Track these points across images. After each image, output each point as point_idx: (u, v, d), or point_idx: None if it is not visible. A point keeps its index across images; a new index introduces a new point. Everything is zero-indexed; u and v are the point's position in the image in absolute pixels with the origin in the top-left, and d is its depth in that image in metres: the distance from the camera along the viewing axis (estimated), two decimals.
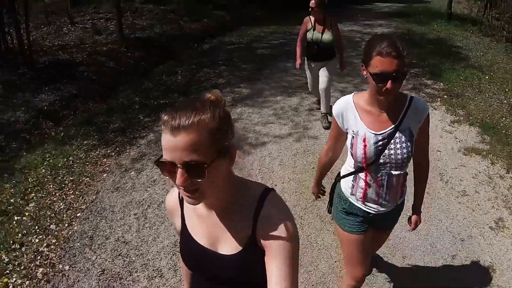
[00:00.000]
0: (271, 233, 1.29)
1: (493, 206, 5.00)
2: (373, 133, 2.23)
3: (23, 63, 10.17)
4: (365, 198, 2.41)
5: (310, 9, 5.98)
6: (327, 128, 6.55)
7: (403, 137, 2.22)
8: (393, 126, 2.22)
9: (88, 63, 11.07)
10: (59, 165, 6.67)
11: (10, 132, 7.83)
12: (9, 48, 10.23)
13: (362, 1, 23.76)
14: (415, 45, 12.98)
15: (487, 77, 9.55)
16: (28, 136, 7.90)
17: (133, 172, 6.29)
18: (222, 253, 1.37)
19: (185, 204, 1.47)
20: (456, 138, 6.59)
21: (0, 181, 6.31)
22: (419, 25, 15.95)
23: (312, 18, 6.12)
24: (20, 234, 5.08)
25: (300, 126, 6.90)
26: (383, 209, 2.45)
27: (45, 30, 12.84)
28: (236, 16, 17.72)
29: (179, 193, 1.47)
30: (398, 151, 2.22)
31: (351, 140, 2.31)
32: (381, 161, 2.26)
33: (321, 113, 6.73)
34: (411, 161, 2.44)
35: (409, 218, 2.71)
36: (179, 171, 1.16)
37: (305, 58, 6.47)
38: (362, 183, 2.38)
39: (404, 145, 2.22)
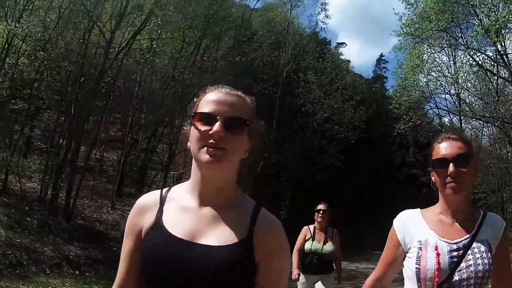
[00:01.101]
0: (267, 241, 1.35)
1: None
2: (446, 242, 1.95)
3: (62, 216, 11.59)
4: None
5: (317, 213, 5.96)
6: None
7: (482, 247, 1.92)
8: (469, 235, 1.95)
9: (120, 242, 12.20)
10: None
11: (35, 259, 8.77)
12: (55, 199, 11.83)
13: (382, 247, 25.53)
14: None
15: None
16: (47, 269, 8.70)
17: None
18: (207, 243, 1.30)
19: (169, 200, 1.45)
20: None
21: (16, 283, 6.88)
22: None
23: (311, 228, 5.99)
24: None
25: None
26: None
27: (87, 203, 14.54)
28: None
29: (161, 192, 1.48)
30: (479, 261, 1.88)
31: (418, 253, 1.97)
32: (457, 278, 1.89)
33: None
34: None
35: None
36: (219, 122, 1.30)
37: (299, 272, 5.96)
38: None
39: (484, 255, 1.90)
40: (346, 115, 21.87)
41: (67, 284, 7.81)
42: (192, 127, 1.35)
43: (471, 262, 1.87)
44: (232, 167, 1.37)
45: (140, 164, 21.18)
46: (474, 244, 1.92)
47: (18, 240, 9.00)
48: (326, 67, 21.80)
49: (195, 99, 1.45)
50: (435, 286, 1.88)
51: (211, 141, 1.28)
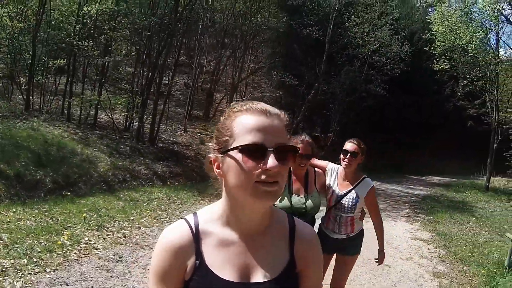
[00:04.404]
0: (308, 254, 1.41)
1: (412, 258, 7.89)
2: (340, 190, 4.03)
3: (148, 141, 14.84)
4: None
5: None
6: None
7: (353, 195, 3.93)
8: (350, 188, 3.96)
9: (193, 160, 15.27)
10: (173, 196, 10.88)
11: (134, 176, 12.00)
12: (141, 128, 14.89)
13: (419, 173, 27.40)
14: (435, 201, 16.35)
15: (474, 219, 12.68)
16: (143, 182, 11.81)
17: None
18: (259, 281, 1.31)
19: (204, 236, 1.35)
20: (412, 234, 10.02)
21: (130, 193, 9.87)
22: (455, 192, 19.66)
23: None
24: None
25: None
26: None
27: (163, 128, 17.56)
28: None
29: (189, 225, 1.36)
30: (349, 202, 3.93)
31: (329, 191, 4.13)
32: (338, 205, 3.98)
33: None
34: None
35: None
36: (272, 155, 1.19)
37: None
38: None
39: (353, 200, 3.92)
40: (393, 49, 22.85)
41: (162, 191, 11.14)
42: (231, 158, 1.23)
43: (345, 201, 3.92)
44: (282, 189, 1.27)
45: (206, 87, 23.59)
46: (350, 194, 3.94)
47: (120, 163, 12.13)
48: (375, 3, 22.55)
49: (222, 119, 1.33)
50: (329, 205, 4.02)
51: (264, 177, 1.19)
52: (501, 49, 26.78)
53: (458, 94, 26.49)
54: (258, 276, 1.31)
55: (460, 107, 29.36)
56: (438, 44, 19.96)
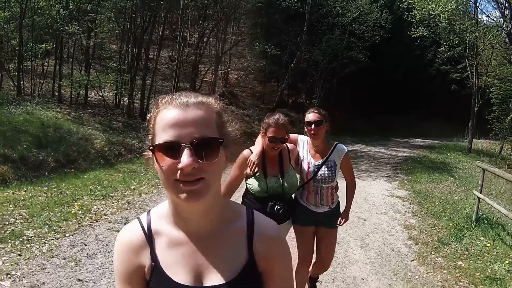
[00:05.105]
0: (270, 252, 1.33)
1: (387, 212, 8.13)
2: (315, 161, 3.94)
3: (138, 116, 15.58)
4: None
5: (270, 138, 3.52)
6: None
7: (330, 163, 3.89)
8: (324, 158, 3.89)
9: None
10: None
11: (128, 149, 12.79)
12: (131, 104, 15.66)
13: (404, 136, 28.47)
14: (417, 162, 17.45)
15: (452, 178, 13.63)
16: (138, 155, 12.57)
17: None
18: (213, 284, 1.26)
19: (156, 236, 1.32)
20: (389, 192, 11.05)
21: (127, 165, 10.67)
22: (437, 154, 20.70)
23: (255, 153, 3.60)
24: None
25: None
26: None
27: (151, 102, 17.86)
28: None
29: (141, 225, 1.34)
30: (327, 171, 3.88)
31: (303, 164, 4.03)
32: (317, 177, 3.88)
33: None
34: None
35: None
36: (186, 151, 1.11)
37: None
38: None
39: (331, 168, 3.90)
40: (373, 16, 23.55)
41: None
42: (154, 157, 1.17)
43: (323, 170, 3.88)
44: (215, 189, 1.22)
45: (191, 59, 24.03)
46: (327, 162, 3.90)
47: (114, 139, 12.90)
48: None
49: (149, 116, 1.26)
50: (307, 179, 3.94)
51: (182, 175, 1.12)
52: (484, 16, 27.22)
53: (437, 60, 27.28)
54: (212, 279, 1.26)
55: (443, 72, 29.73)
56: (416, 12, 20.43)
